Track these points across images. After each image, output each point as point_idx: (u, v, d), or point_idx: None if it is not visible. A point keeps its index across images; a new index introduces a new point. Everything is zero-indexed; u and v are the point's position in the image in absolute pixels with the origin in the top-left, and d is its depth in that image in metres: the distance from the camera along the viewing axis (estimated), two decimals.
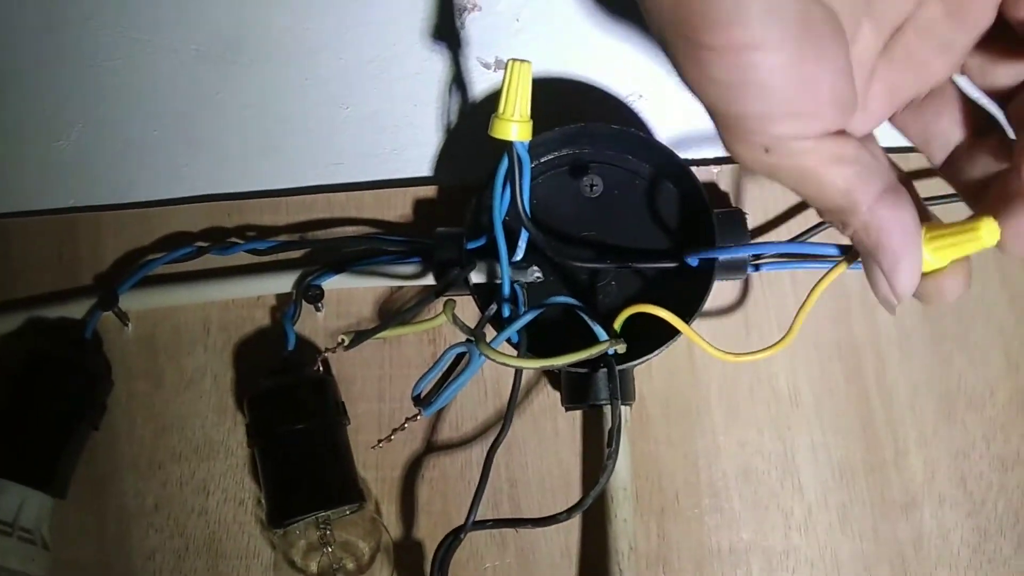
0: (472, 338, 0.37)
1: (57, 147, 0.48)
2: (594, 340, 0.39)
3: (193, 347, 0.45)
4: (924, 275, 0.30)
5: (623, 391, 0.40)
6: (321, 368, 0.44)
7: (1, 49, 0.49)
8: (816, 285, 0.36)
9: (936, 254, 0.31)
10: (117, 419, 0.44)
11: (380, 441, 0.42)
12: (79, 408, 0.43)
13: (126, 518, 0.44)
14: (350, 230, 0.46)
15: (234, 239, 0.46)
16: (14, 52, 0.49)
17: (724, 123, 0.27)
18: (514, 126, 0.36)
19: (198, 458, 0.44)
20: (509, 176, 0.37)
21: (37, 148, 0.48)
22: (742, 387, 0.43)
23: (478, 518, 0.38)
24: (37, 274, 0.46)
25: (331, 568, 0.41)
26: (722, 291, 0.44)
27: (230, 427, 0.44)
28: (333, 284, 0.44)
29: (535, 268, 0.41)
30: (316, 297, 0.44)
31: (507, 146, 0.36)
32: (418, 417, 0.39)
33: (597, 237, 0.43)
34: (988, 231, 0.29)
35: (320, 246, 0.45)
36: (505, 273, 0.39)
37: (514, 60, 0.36)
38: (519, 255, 0.40)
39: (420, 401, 0.39)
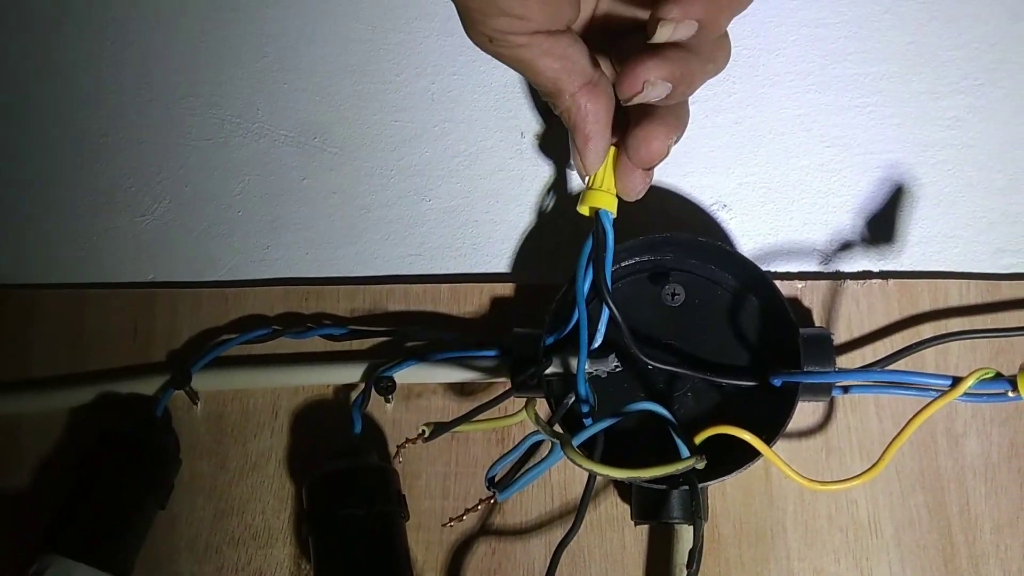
0: (554, 440, 0.36)
1: (141, 221, 0.48)
2: (673, 453, 0.38)
3: (260, 430, 0.45)
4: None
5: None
6: (400, 460, 0.43)
7: (96, 119, 0.50)
8: (915, 416, 0.35)
9: None
10: (179, 498, 0.44)
11: (452, 520, 0.41)
12: (148, 486, 0.42)
13: None
14: (425, 323, 0.46)
15: (309, 324, 0.46)
16: (109, 123, 0.50)
17: (458, 10, 0.33)
18: (602, 195, 0.38)
19: (256, 544, 0.44)
20: (594, 250, 0.38)
21: (122, 220, 0.49)
22: (820, 513, 0.42)
23: None
24: (111, 347, 0.46)
25: None
26: (802, 411, 0.43)
27: (290, 515, 0.44)
28: (405, 376, 0.44)
29: (613, 356, 0.41)
30: (388, 389, 0.43)
31: (594, 221, 0.37)
32: (492, 500, 0.38)
33: (677, 346, 0.42)
34: None
35: (395, 335, 0.45)
36: (583, 358, 0.39)
37: None
38: (598, 340, 0.39)
39: (495, 484, 0.38)
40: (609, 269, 0.38)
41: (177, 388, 0.44)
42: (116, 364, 0.46)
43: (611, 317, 0.38)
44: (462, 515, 0.42)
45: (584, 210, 0.39)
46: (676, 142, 0.38)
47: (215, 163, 0.49)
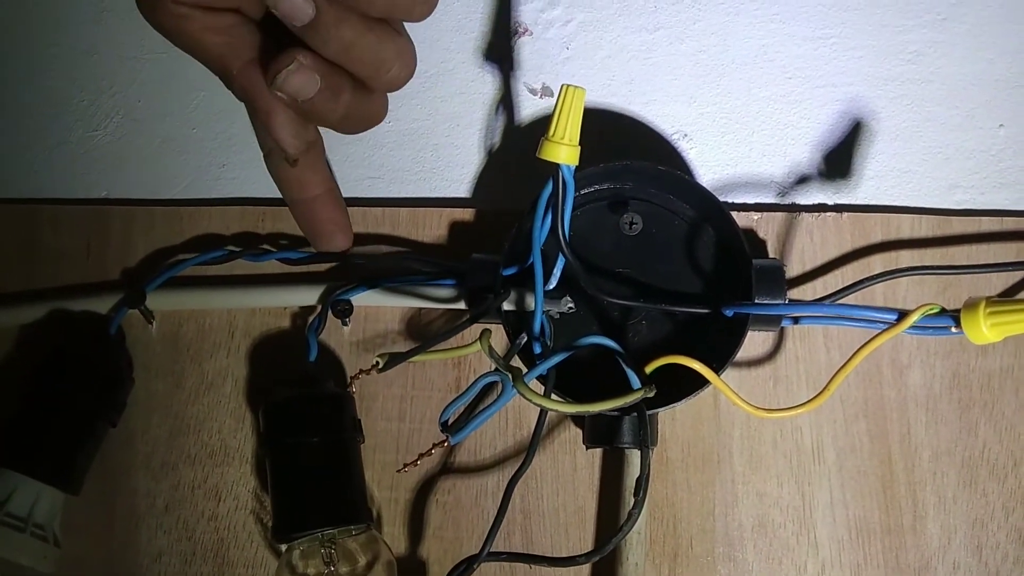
0: (506, 373, 0.37)
1: (94, 136, 0.47)
2: (625, 382, 0.38)
3: (216, 351, 0.45)
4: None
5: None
6: (354, 390, 0.43)
7: (46, 29, 0.48)
8: (861, 348, 0.36)
9: (994, 329, 0.34)
10: (134, 417, 0.44)
11: (406, 465, 0.42)
12: (99, 404, 0.42)
13: (135, 518, 0.44)
14: (383, 247, 0.45)
15: (266, 246, 0.46)
16: (61, 38, 0.48)
17: None
18: (563, 149, 0.36)
19: (212, 463, 0.44)
20: (552, 201, 0.37)
21: (73, 135, 0.48)
22: (765, 438, 0.43)
23: (492, 549, 0.38)
24: (64, 264, 0.46)
25: None
26: (752, 341, 0.44)
27: (247, 434, 0.44)
28: (362, 300, 0.44)
29: (568, 298, 0.41)
30: (344, 312, 0.43)
31: (553, 169, 0.36)
32: (446, 444, 0.39)
33: (632, 275, 0.43)
34: None
35: (352, 260, 0.44)
36: (539, 300, 0.39)
37: (569, 85, 0.36)
38: (553, 283, 0.40)
39: (448, 428, 0.38)
40: (568, 220, 0.38)
41: (131, 307, 0.43)
42: (69, 282, 0.45)
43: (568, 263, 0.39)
44: (416, 460, 0.42)
45: (545, 157, 0.38)
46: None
47: (170, 77, 0.48)
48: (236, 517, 0.44)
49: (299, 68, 0.34)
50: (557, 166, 0.37)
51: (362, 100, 0.37)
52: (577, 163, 0.37)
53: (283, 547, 0.41)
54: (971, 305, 0.34)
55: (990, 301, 0.33)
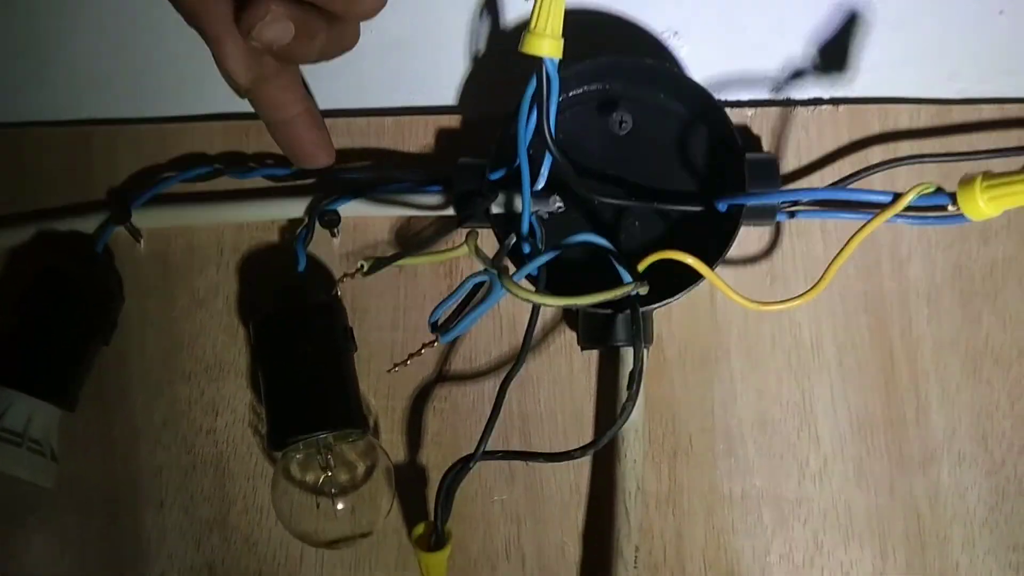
0: (493, 270, 0.36)
1: (75, 56, 0.47)
2: (617, 281, 0.38)
3: (205, 267, 0.45)
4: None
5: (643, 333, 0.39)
6: (339, 293, 0.43)
7: None
8: (856, 233, 0.35)
9: (991, 203, 0.32)
10: (127, 336, 0.44)
11: (396, 365, 0.42)
12: (90, 322, 0.42)
13: (134, 434, 0.44)
14: (369, 159, 0.45)
15: (251, 163, 0.45)
16: None
17: None
18: (546, 41, 0.35)
19: (208, 378, 0.44)
20: (536, 97, 0.36)
21: (54, 56, 0.47)
22: (764, 335, 0.43)
23: (488, 449, 0.38)
24: (49, 186, 0.45)
25: (328, 487, 0.40)
26: (748, 238, 0.43)
27: (240, 348, 0.44)
28: (349, 210, 0.43)
29: (556, 197, 0.40)
30: (332, 222, 0.43)
31: (537, 64, 0.35)
32: (435, 344, 0.38)
33: (623, 176, 0.42)
34: None
35: (338, 173, 0.44)
36: (526, 201, 0.38)
37: None
38: (541, 183, 0.39)
39: (438, 328, 0.38)
40: (553, 116, 0.37)
41: (117, 224, 0.43)
42: (54, 203, 0.45)
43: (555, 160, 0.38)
44: (406, 360, 0.42)
45: (527, 51, 0.37)
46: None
47: None
48: (234, 430, 0.44)
49: (273, 18, 0.33)
50: (540, 60, 0.36)
51: (337, 33, 0.36)
52: (561, 56, 0.36)
53: (279, 456, 0.41)
54: (967, 181, 0.33)
55: (987, 175, 0.32)
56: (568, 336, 0.43)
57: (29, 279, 0.42)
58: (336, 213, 0.43)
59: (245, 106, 0.45)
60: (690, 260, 0.37)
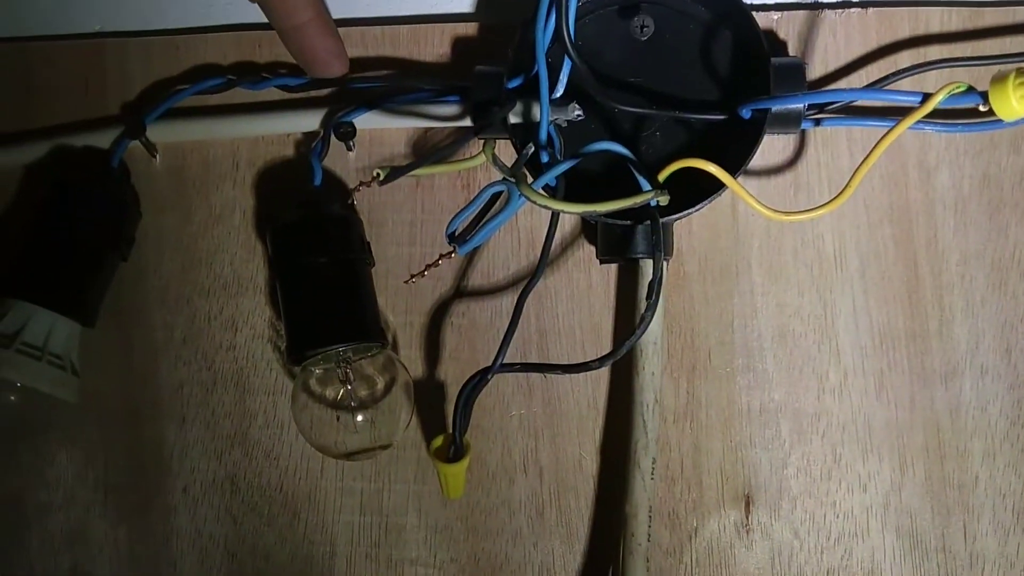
0: (511, 178, 0.35)
1: None
2: (637, 191, 0.37)
3: (222, 182, 0.44)
4: None
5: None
6: (354, 202, 0.42)
7: None
8: (884, 136, 0.34)
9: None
10: (145, 252, 0.44)
11: (413, 276, 0.41)
12: (107, 237, 0.42)
13: (154, 350, 0.44)
14: (384, 69, 0.44)
15: (265, 74, 0.44)
16: None
17: None
18: None
19: (227, 294, 0.44)
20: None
21: None
22: (785, 248, 0.42)
23: (506, 362, 0.38)
24: (61, 101, 0.45)
25: (348, 401, 0.40)
26: (772, 148, 0.42)
27: (259, 264, 0.44)
28: (365, 122, 0.42)
29: (575, 105, 0.39)
30: (347, 134, 0.42)
31: None
32: (452, 255, 0.38)
33: (645, 83, 0.41)
34: None
35: (352, 83, 0.43)
36: (544, 108, 0.37)
37: None
38: (560, 90, 0.38)
39: (455, 239, 0.38)
40: (572, 18, 0.36)
41: (132, 138, 0.43)
42: (69, 119, 0.45)
43: (575, 67, 0.37)
44: (423, 271, 0.41)
45: None
46: None
47: None
48: (254, 346, 0.44)
49: None
50: None
51: None
52: None
53: (298, 370, 0.41)
54: (1000, 78, 0.32)
55: (1020, 71, 0.31)
56: (587, 250, 0.43)
57: (45, 193, 0.42)
58: (351, 125, 0.42)
59: (257, 16, 0.44)
60: (712, 168, 0.36)
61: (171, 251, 0.44)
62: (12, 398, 0.39)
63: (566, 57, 0.37)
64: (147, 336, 0.44)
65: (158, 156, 0.44)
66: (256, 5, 0.40)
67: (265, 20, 0.43)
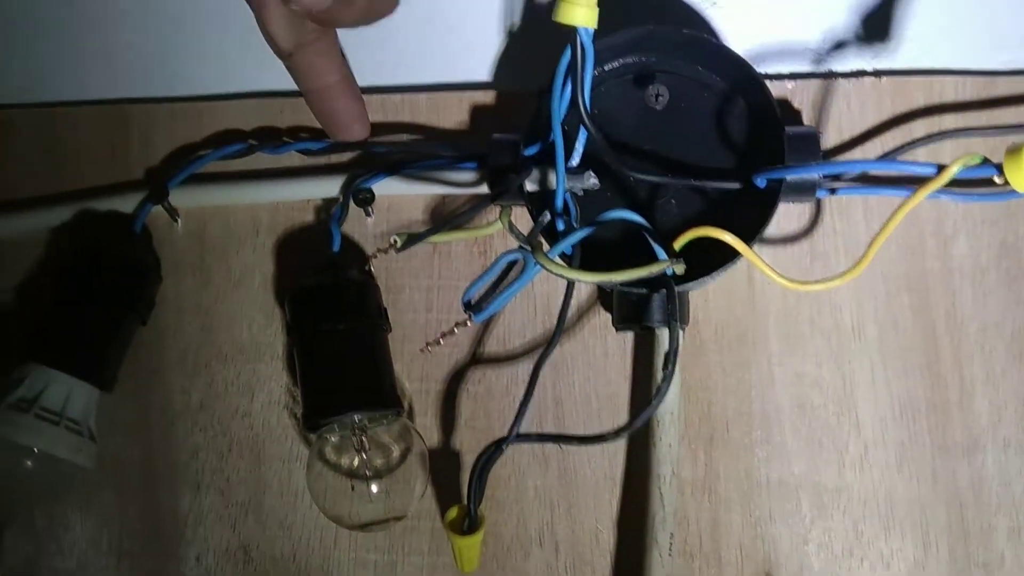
0: (527, 247, 0.36)
1: (110, 36, 0.47)
2: (653, 259, 0.37)
3: (242, 247, 0.45)
4: None
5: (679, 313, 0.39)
6: (371, 268, 0.43)
7: None
8: (900, 207, 0.34)
9: None
10: (164, 315, 0.44)
11: (428, 344, 0.41)
12: (128, 301, 0.42)
13: (171, 415, 0.44)
14: (403, 134, 0.44)
15: (286, 139, 0.45)
16: None
17: None
18: (580, 10, 0.34)
19: (244, 359, 0.44)
20: (571, 69, 0.35)
21: (90, 36, 0.47)
22: (802, 317, 0.42)
23: (522, 432, 0.38)
24: (88, 165, 0.45)
25: (363, 469, 0.40)
26: (788, 216, 0.42)
27: (276, 330, 0.44)
28: (383, 188, 0.43)
29: (591, 173, 0.39)
30: (366, 200, 0.43)
31: (571, 33, 0.35)
32: (468, 323, 0.38)
33: (659, 152, 0.41)
34: None
35: (372, 149, 0.43)
36: (560, 176, 0.38)
37: None
38: (576, 159, 0.38)
39: (471, 307, 0.38)
40: (588, 88, 0.36)
41: (155, 203, 0.43)
42: (94, 183, 0.45)
43: (590, 136, 0.37)
44: (438, 339, 0.41)
45: (561, 20, 0.36)
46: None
47: None
48: (270, 412, 0.44)
49: None
50: (575, 30, 0.35)
51: None
52: (595, 25, 0.35)
53: (314, 438, 0.41)
54: (1015, 150, 0.32)
55: None
56: (602, 318, 0.43)
57: (68, 258, 0.42)
58: (370, 191, 0.42)
59: (279, 84, 0.45)
60: (727, 237, 0.36)
61: (190, 315, 0.44)
62: (29, 463, 0.39)
63: (582, 126, 0.38)
64: (164, 401, 0.44)
65: (179, 220, 0.45)
66: (281, 69, 0.41)
67: (287, 87, 0.44)
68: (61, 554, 0.43)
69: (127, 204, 0.44)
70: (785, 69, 0.44)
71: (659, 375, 0.39)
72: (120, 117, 0.46)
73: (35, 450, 0.39)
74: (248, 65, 0.46)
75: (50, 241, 0.45)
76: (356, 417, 0.40)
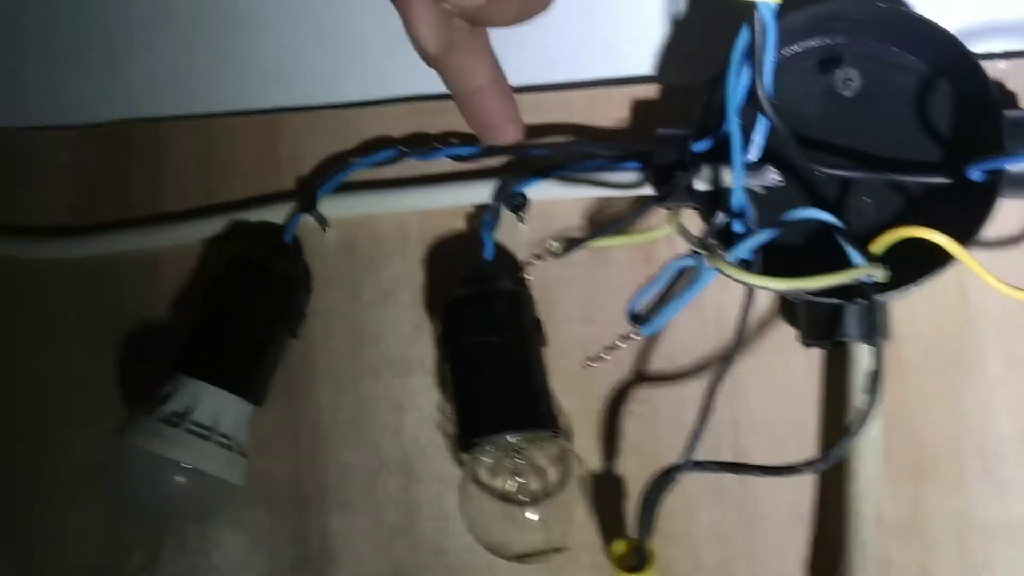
0: (700, 251, 0.32)
1: (260, 45, 0.46)
2: (843, 265, 0.32)
3: (391, 258, 0.43)
4: None
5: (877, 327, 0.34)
6: (529, 277, 0.40)
7: None
8: None
9: None
10: (313, 329, 0.43)
11: (590, 360, 0.38)
12: (279, 314, 0.41)
13: (320, 432, 0.42)
14: (559, 136, 0.41)
15: (436, 144, 0.43)
16: None
17: None
18: None
19: (393, 374, 0.42)
20: (749, 52, 0.31)
21: (240, 46, 0.46)
22: None
23: (697, 460, 0.34)
24: (239, 176, 0.45)
25: (520, 495, 0.37)
26: (1006, 213, 0.36)
27: (427, 343, 0.42)
28: (537, 192, 0.40)
29: (771, 168, 0.35)
30: (519, 205, 0.40)
31: (749, 11, 0.31)
32: (634, 337, 0.35)
33: (850, 144, 0.37)
34: None
35: (525, 152, 0.41)
36: (737, 173, 0.33)
37: None
38: (754, 151, 0.34)
39: (638, 319, 0.34)
40: (769, 72, 0.33)
41: (304, 212, 0.42)
42: (245, 194, 0.45)
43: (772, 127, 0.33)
44: (601, 354, 0.38)
45: None
46: None
47: None
48: (420, 430, 0.41)
49: None
50: (754, 5, 0.31)
51: None
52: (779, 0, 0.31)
53: (467, 459, 0.38)
54: None
55: None
56: (785, 332, 0.38)
57: (219, 270, 0.41)
58: (524, 195, 0.40)
59: (429, 88, 0.43)
60: (940, 238, 0.32)
61: (339, 328, 0.43)
62: (179, 479, 0.39)
63: (760, 116, 0.34)
64: (314, 416, 0.42)
65: (328, 230, 0.43)
66: (431, 73, 0.39)
67: (437, 91, 0.41)
68: (214, 571, 0.43)
69: (278, 214, 0.43)
70: (997, 47, 0.38)
71: (855, 397, 0.35)
72: (270, 127, 0.45)
73: (186, 466, 0.38)
74: (397, 69, 0.44)
75: (204, 254, 0.44)
76: (513, 438, 0.37)
